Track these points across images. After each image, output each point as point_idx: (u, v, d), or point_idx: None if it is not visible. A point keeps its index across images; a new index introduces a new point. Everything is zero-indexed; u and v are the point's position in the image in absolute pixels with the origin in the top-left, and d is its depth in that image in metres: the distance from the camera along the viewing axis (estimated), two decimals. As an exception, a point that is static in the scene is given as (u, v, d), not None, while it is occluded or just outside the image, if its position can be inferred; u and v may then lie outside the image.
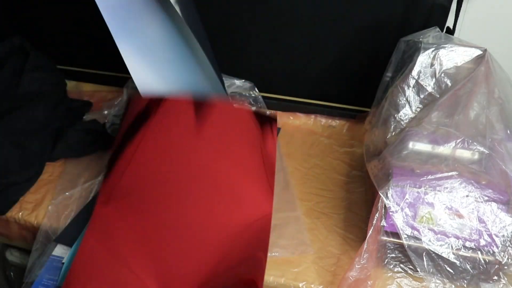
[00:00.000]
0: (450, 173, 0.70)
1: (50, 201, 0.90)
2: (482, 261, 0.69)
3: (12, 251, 0.95)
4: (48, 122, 1.02)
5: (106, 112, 1.07)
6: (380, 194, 0.71)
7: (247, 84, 1.08)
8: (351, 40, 1.03)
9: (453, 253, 0.70)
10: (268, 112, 1.10)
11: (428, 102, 0.79)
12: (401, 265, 0.74)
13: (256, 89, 1.09)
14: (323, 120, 1.13)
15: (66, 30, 1.22)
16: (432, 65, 0.78)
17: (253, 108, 1.11)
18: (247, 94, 1.09)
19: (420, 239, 0.70)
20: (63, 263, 0.75)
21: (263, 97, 1.11)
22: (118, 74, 1.25)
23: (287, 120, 1.14)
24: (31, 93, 1.03)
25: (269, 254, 0.79)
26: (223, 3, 1.05)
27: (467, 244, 0.70)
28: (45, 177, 0.97)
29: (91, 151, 1.02)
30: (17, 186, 0.91)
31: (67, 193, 0.92)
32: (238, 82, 1.07)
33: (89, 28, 1.20)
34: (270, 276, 0.76)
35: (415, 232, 0.70)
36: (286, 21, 1.04)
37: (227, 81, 1.06)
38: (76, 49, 1.26)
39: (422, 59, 0.78)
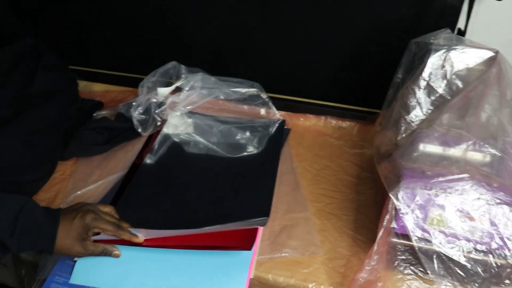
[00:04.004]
0: (461, 175, 0.70)
1: (62, 199, 0.91)
2: (494, 264, 0.69)
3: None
4: (60, 121, 1.03)
5: (123, 110, 1.09)
6: (391, 195, 0.70)
7: (255, 88, 1.08)
8: (361, 41, 1.03)
9: (464, 256, 0.69)
10: (277, 114, 1.10)
11: (439, 104, 0.79)
12: (411, 267, 0.74)
13: (264, 92, 1.08)
14: (333, 122, 1.13)
15: (79, 31, 1.23)
16: (443, 66, 0.78)
17: (263, 111, 1.12)
18: (255, 98, 1.09)
19: (431, 241, 0.70)
20: (75, 260, 0.76)
21: (273, 98, 1.11)
22: (129, 74, 1.26)
23: (297, 121, 1.14)
24: (44, 93, 1.05)
25: (279, 255, 0.80)
26: (233, 3, 1.05)
27: (478, 247, 0.69)
28: (57, 176, 0.98)
29: (103, 150, 1.03)
30: (29, 185, 0.92)
31: (78, 192, 0.93)
32: (245, 89, 1.07)
33: (102, 29, 1.21)
34: (280, 277, 0.76)
35: (426, 234, 0.70)
36: (296, 21, 1.04)
37: (234, 85, 1.06)
38: (88, 49, 1.27)
39: (433, 61, 0.78)
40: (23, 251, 0.70)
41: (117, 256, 0.75)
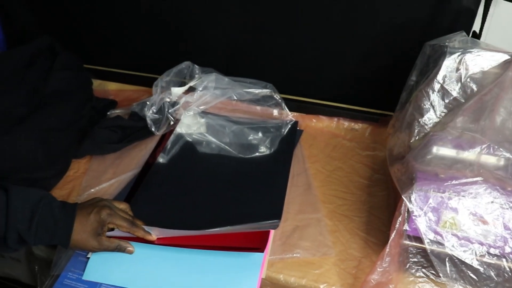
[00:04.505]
0: (474, 179, 0.70)
1: (75, 197, 0.92)
2: (507, 269, 0.68)
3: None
4: (74, 120, 1.04)
5: (137, 109, 1.10)
6: (403, 198, 0.70)
7: (268, 89, 1.08)
8: (375, 43, 1.03)
9: (477, 260, 0.69)
10: (290, 115, 1.10)
11: (453, 107, 0.78)
12: (423, 270, 0.74)
13: (277, 93, 1.08)
14: (346, 123, 1.13)
15: (94, 30, 1.25)
16: (457, 69, 0.78)
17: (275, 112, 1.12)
18: (268, 99, 1.09)
19: (443, 244, 0.69)
20: (88, 257, 0.77)
21: (286, 99, 1.11)
22: (143, 74, 1.27)
23: (309, 123, 1.14)
24: (59, 92, 1.06)
25: (290, 255, 0.80)
26: (247, 4, 1.06)
27: (492, 250, 0.69)
28: (71, 173, 0.99)
29: (116, 149, 1.04)
30: (43, 182, 0.93)
31: (92, 190, 0.94)
32: (258, 90, 1.07)
33: (117, 28, 1.22)
34: (291, 277, 0.76)
35: (438, 237, 0.70)
36: (309, 23, 1.04)
37: (248, 86, 1.07)
38: (103, 48, 1.29)
39: (448, 64, 0.78)
40: (39, 244, 0.71)
41: (130, 252, 0.76)
